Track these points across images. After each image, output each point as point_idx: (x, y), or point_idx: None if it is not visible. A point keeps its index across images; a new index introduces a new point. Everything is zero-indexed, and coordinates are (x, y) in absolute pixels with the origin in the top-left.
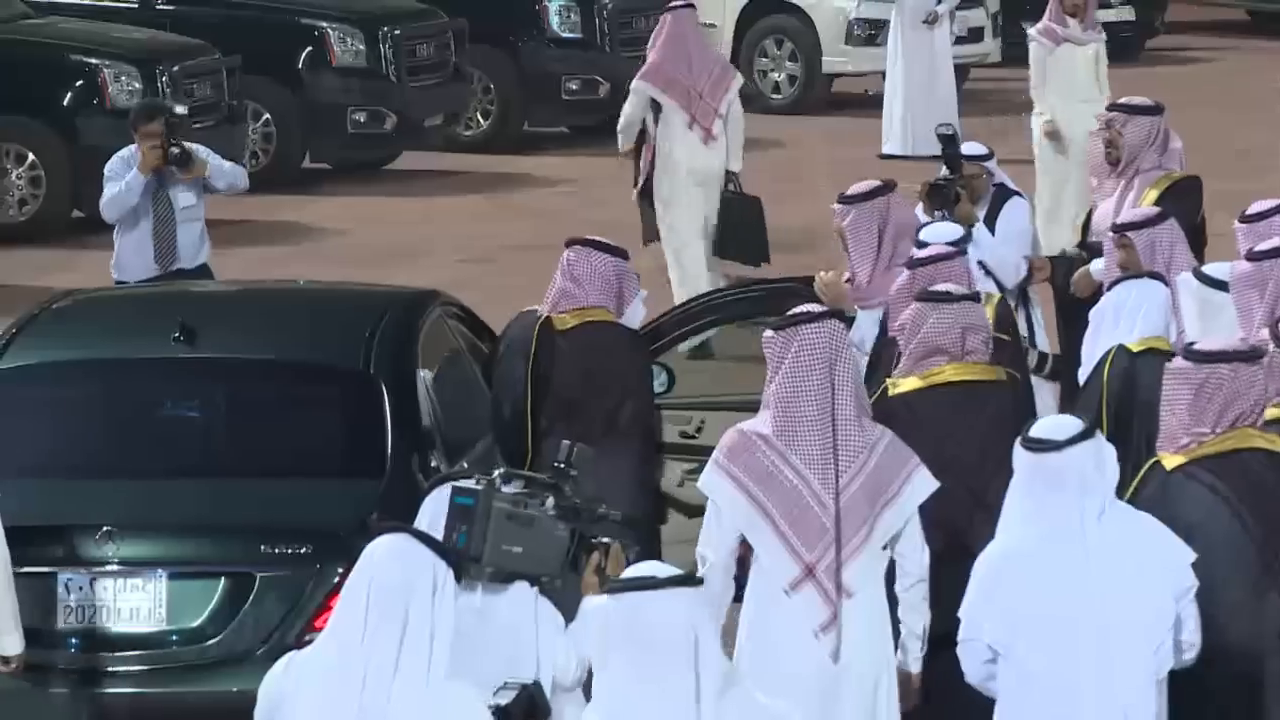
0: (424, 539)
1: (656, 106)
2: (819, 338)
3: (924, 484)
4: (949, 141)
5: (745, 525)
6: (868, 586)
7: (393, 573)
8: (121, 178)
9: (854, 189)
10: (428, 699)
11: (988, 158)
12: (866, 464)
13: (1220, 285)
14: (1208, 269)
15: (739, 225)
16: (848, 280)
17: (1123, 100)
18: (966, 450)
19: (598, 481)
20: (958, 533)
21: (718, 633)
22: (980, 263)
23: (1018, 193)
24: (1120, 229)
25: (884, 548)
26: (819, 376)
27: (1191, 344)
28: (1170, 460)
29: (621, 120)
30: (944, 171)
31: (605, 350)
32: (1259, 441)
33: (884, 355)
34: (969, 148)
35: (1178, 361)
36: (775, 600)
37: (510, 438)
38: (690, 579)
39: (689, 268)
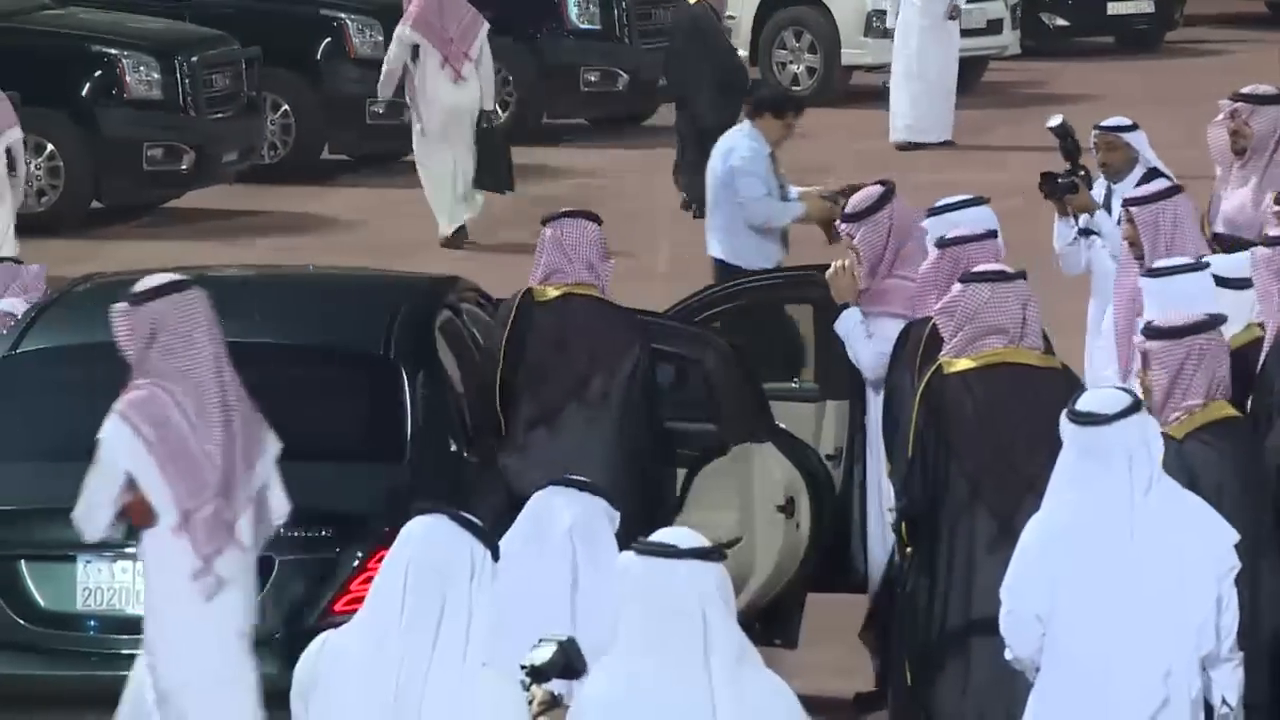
0: (462, 521)
1: (415, 52)
2: (197, 304)
3: (273, 442)
4: (1061, 133)
5: (137, 470)
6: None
7: (430, 556)
8: (760, 175)
9: (857, 204)
10: (463, 685)
11: (1129, 129)
12: (241, 420)
13: (1221, 282)
14: (1221, 269)
15: (490, 158)
16: (864, 290)
17: (1246, 89)
18: (1020, 435)
19: (566, 453)
20: (1007, 518)
21: (729, 609)
22: (1110, 254)
23: (1168, 177)
24: (1127, 204)
25: None
26: (204, 339)
27: (1149, 323)
28: (1176, 430)
29: (385, 67)
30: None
31: (581, 322)
32: (1233, 411)
33: (912, 335)
34: (1112, 120)
35: (1151, 344)
36: (163, 538)
37: (480, 407)
38: (710, 553)
39: (444, 196)
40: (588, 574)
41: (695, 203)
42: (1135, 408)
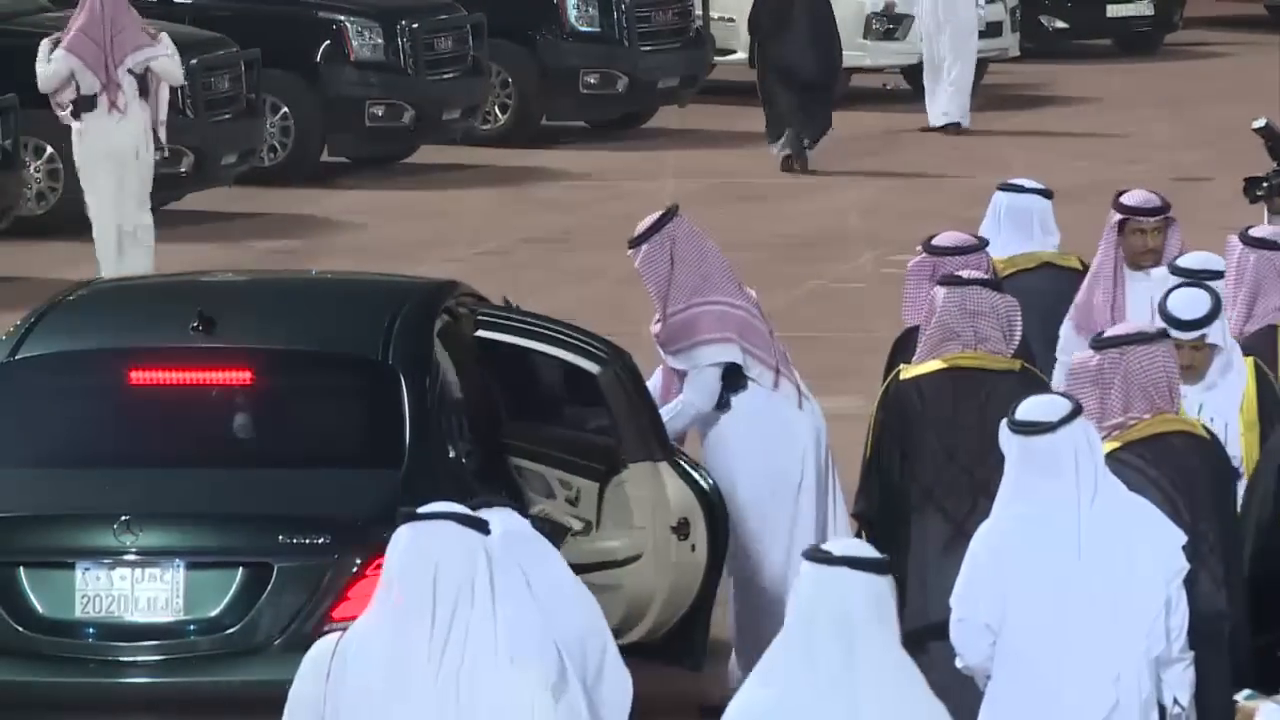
0: (466, 520)
1: None
2: None
3: None
4: (1268, 134)
5: None
6: None
7: (455, 566)
8: None
9: (638, 227)
10: (499, 682)
11: None
12: None
13: (1190, 275)
14: (1181, 261)
15: None
16: (657, 321)
17: None
18: (969, 438)
19: None
20: (961, 520)
21: (884, 622)
22: None
23: None
24: (1154, 211)
25: None
26: None
27: (1100, 333)
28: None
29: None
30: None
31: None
32: (1178, 425)
33: (911, 341)
34: None
35: (1079, 354)
36: None
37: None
38: (866, 563)
39: None
40: (538, 574)
41: (802, 145)
42: (1077, 412)
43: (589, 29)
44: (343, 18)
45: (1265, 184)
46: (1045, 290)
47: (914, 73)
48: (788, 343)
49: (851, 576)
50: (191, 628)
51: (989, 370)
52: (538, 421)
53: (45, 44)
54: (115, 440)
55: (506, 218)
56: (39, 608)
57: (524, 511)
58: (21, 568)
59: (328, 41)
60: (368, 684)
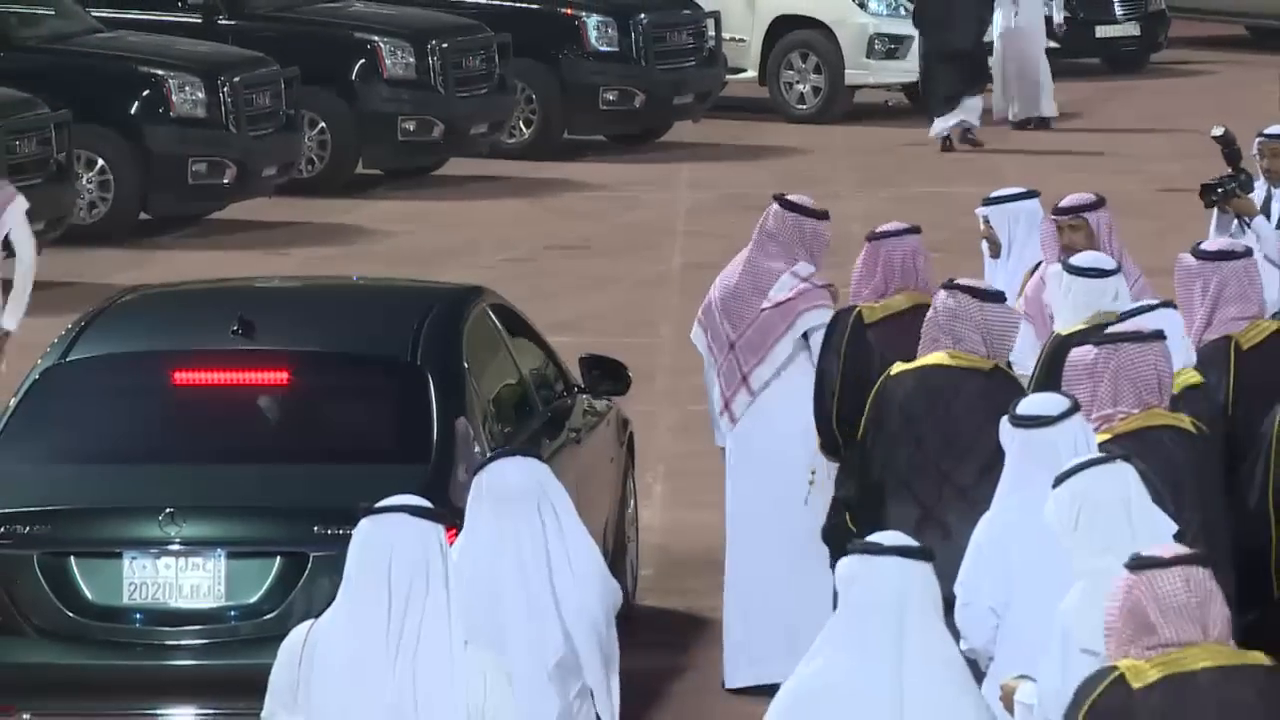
0: (419, 512)
1: None
2: None
3: None
4: (1225, 141)
5: None
6: None
7: (409, 555)
8: None
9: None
10: (454, 667)
11: None
12: None
13: (1084, 272)
14: (1075, 260)
15: None
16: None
17: None
18: (935, 431)
19: None
20: (930, 506)
21: (933, 608)
22: (1266, 256)
23: None
24: (1068, 210)
25: None
26: None
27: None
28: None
29: None
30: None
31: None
32: (1166, 419)
33: (839, 323)
34: (1276, 128)
35: (1078, 349)
36: None
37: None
38: (914, 551)
39: None
40: (554, 531)
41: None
42: (1075, 409)
43: (608, 48)
44: (377, 38)
45: (1220, 189)
46: None
47: (915, 90)
48: None
49: (903, 565)
50: (232, 613)
51: (959, 369)
52: None
53: None
54: (160, 437)
55: (530, 226)
56: (89, 595)
57: None
58: (73, 557)
59: (362, 60)
60: (333, 669)
